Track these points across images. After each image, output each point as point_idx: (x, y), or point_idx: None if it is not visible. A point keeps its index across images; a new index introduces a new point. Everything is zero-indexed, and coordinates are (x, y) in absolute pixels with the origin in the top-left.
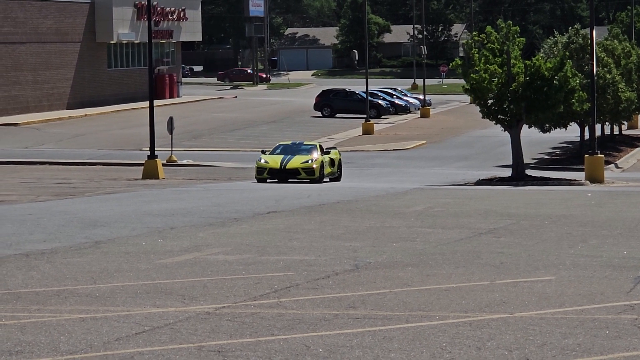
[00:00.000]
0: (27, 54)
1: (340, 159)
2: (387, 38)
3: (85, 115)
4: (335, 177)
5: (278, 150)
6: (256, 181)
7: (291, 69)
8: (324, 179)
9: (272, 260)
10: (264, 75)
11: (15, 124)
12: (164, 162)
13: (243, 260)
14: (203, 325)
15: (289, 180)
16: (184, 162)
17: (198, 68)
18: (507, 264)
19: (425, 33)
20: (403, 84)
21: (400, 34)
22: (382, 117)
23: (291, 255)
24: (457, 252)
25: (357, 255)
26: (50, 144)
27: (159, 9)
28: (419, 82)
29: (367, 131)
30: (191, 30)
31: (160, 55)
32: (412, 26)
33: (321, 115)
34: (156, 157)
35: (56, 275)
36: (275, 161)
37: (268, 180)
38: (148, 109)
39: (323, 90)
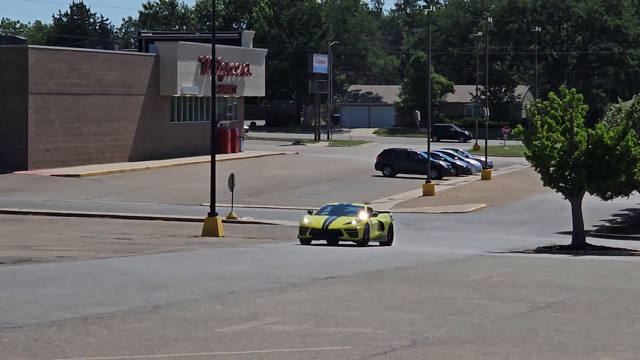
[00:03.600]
0: (91, 105)
1: (391, 223)
2: (450, 98)
3: (147, 168)
4: (385, 242)
5: (325, 211)
6: (299, 242)
7: (353, 126)
8: (370, 242)
9: (330, 332)
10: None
11: (77, 175)
12: (224, 218)
13: (301, 331)
14: None
15: (332, 242)
16: (244, 219)
17: (260, 122)
18: (565, 344)
19: (488, 94)
20: (465, 145)
21: (463, 94)
22: (443, 178)
23: (349, 327)
24: (515, 329)
25: (415, 329)
26: (111, 196)
27: (223, 64)
28: (481, 143)
29: (428, 192)
30: (255, 85)
31: (223, 110)
32: (475, 86)
33: (382, 174)
34: (216, 214)
35: (114, 343)
36: (318, 221)
37: (312, 242)
38: (209, 163)
39: (384, 150)
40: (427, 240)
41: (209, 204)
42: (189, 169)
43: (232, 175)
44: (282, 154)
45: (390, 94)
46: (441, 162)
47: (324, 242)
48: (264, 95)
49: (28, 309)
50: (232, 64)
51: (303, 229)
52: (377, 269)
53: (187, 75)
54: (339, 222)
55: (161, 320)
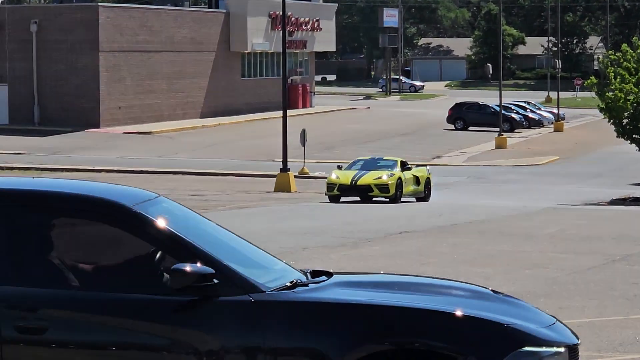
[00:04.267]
0: (162, 62)
1: (428, 177)
2: (521, 50)
3: (219, 124)
4: (422, 197)
5: (355, 166)
6: (327, 199)
7: (424, 79)
8: (404, 198)
9: None
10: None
11: (149, 133)
12: (296, 174)
13: None
14: None
15: (363, 198)
16: (316, 174)
17: (331, 77)
18: None
19: (559, 45)
20: (536, 97)
21: (534, 46)
22: (515, 130)
23: None
24: (590, 282)
25: (489, 283)
26: (184, 153)
27: (293, 19)
28: (553, 95)
29: (500, 145)
30: (325, 40)
31: (293, 65)
32: (546, 38)
33: (454, 128)
34: (288, 169)
35: None
36: (346, 177)
37: (342, 200)
38: (280, 119)
39: (456, 103)
40: (501, 194)
41: (281, 160)
42: (261, 124)
43: (303, 131)
44: (353, 108)
45: (461, 47)
46: (513, 115)
47: (356, 198)
48: (335, 50)
49: None
50: (302, 19)
51: (331, 185)
52: (451, 223)
53: (258, 31)
54: (368, 177)
55: None
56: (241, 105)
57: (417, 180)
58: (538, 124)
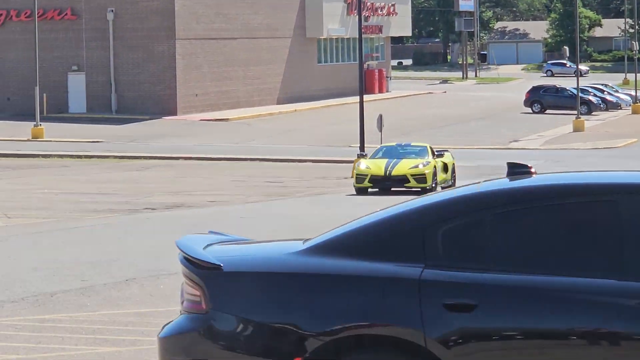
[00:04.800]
0: (239, 49)
1: (454, 164)
2: (598, 32)
3: (295, 110)
4: (449, 185)
5: (380, 154)
6: (355, 192)
7: (501, 63)
8: (437, 186)
9: None
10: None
11: (226, 119)
12: None
13: None
14: None
15: (394, 189)
16: None
17: (407, 62)
18: None
19: (637, 27)
20: (614, 79)
21: (611, 28)
22: (593, 113)
23: None
24: None
25: None
26: (261, 139)
27: (368, 4)
28: (630, 77)
29: (578, 128)
30: (401, 25)
31: (369, 50)
32: (623, 20)
33: (531, 111)
34: (365, 155)
35: None
36: (378, 166)
37: (369, 190)
38: (357, 104)
39: (533, 87)
40: None
41: (358, 145)
42: (337, 110)
43: (380, 116)
44: (429, 93)
45: (538, 29)
46: (591, 98)
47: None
48: (410, 34)
49: None
50: (377, 4)
51: (361, 177)
52: None
53: (333, 17)
54: (403, 167)
55: None
56: (317, 91)
57: (445, 167)
58: (615, 106)
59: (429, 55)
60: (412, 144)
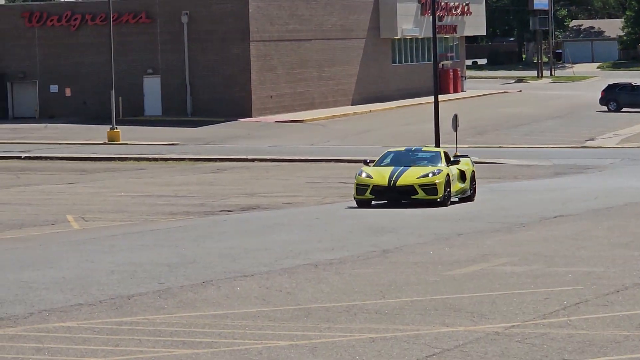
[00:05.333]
0: (313, 50)
1: (473, 171)
2: None
3: (370, 111)
4: (468, 196)
5: (387, 160)
6: (356, 204)
7: (576, 61)
8: (452, 199)
9: (561, 273)
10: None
11: (301, 121)
12: None
13: (531, 272)
14: (493, 348)
15: (402, 202)
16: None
17: (482, 61)
18: None
19: None
20: None
21: None
22: None
23: (579, 267)
24: None
25: None
26: (335, 140)
27: (442, 4)
28: None
29: None
30: (475, 24)
31: (444, 50)
32: None
33: (607, 109)
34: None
35: (345, 289)
36: (382, 175)
37: (373, 203)
38: (432, 104)
39: (609, 85)
40: None
41: (433, 145)
42: (412, 110)
43: (455, 116)
44: (504, 92)
45: (613, 27)
46: None
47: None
48: (485, 33)
49: (259, 257)
50: (451, 3)
51: (361, 188)
52: (605, 206)
53: (407, 17)
54: (410, 176)
55: (391, 264)
56: (392, 91)
57: (462, 175)
58: None
59: (504, 54)
60: (423, 148)
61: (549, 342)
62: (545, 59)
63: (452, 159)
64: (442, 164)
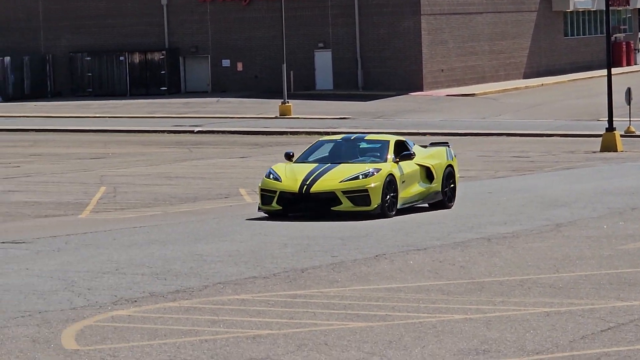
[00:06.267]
0: (484, 24)
1: (450, 166)
2: None
3: (542, 84)
4: (439, 200)
5: (317, 152)
6: (265, 214)
7: None
8: (406, 204)
9: None
10: None
11: (472, 94)
12: (622, 133)
13: None
14: None
15: (319, 213)
16: None
17: None
18: None
19: None
20: None
21: None
22: None
23: None
24: None
25: None
26: (507, 114)
27: None
28: None
29: None
30: None
31: (616, 23)
32: None
33: None
34: (614, 129)
35: (518, 263)
36: (294, 178)
37: (289, 215)
38: (604, 77)
39: None
40: None
41: (606, 119)
42: (584, 84)
43: (628, 89)
44: None
45: None
46: None
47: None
48: None
49: (431, 231)
50: None
51: (267, 194)
52: None
53: None
54: (332, 179)
55: (564, 238)
56: (564, 64)
57: (427, 173)
58: None
59: None
60: (366, 137)
61: None
62: None
63: (409, 151)
64: (387, 157)
